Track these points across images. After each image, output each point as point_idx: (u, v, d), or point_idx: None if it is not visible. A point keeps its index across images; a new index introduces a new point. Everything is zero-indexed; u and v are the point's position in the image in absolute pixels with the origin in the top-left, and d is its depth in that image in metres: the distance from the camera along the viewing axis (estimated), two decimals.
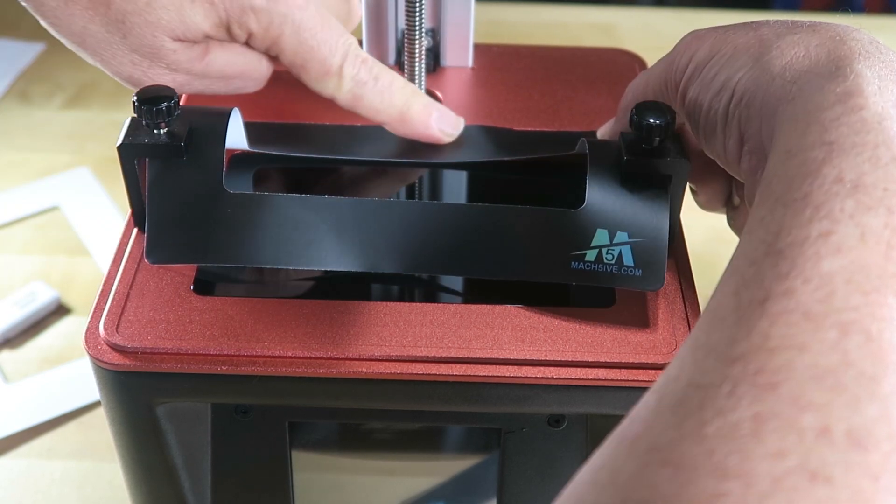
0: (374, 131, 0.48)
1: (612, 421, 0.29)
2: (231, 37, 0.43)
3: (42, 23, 0.42)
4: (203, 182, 0.40)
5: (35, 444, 0.62)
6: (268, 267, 0.40)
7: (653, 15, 1.05)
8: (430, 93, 0.51)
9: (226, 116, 0.42)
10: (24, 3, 0.41)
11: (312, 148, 0.47)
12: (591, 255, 0.40)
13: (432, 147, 0.48)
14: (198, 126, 0.41)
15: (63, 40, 0.42)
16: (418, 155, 0.48)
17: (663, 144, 0.40)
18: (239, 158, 0.48)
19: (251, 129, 0.47)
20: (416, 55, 0.48)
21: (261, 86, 0.46)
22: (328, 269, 0.41)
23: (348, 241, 0.40)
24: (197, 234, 0.41)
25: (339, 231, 0.41)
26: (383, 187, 0.50)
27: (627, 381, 0.38)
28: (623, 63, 0.55)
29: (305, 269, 0.41)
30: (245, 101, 0.47)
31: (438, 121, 0.47)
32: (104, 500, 0.59)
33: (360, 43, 0.52)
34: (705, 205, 0.45)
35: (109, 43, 0.41)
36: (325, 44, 0.43)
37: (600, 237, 0.39)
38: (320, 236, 0.41)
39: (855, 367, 0.23)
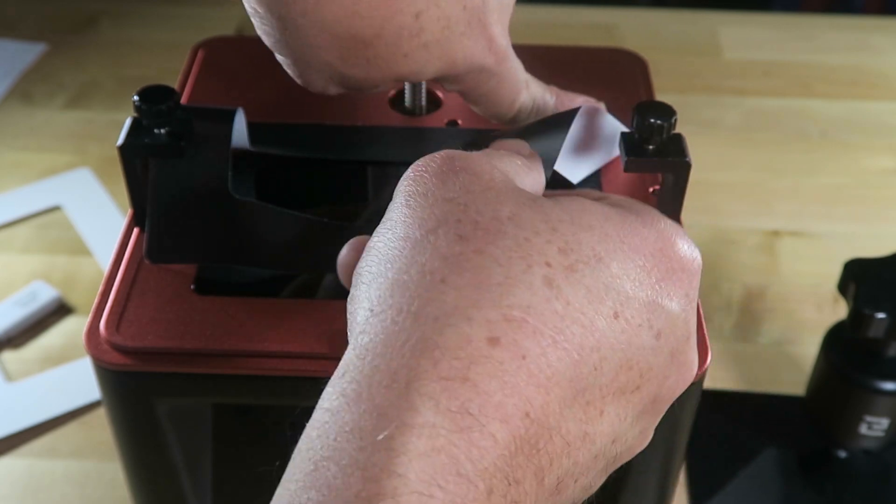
0: (376, 131, 0.48)
1: None
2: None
3: (259, 30, 0.37)
4: (207, 183, 0.40)
5: (36, 443, 0.62)
6: (269, 269, 0.41)
7: (653, 15, 1.05)
8: (430, 92, 0.51)
9: (231, 117, 0.42)
10: (258, 21, 0.37)
11: (313, 148, 0.47)
12: None
13: (434, 148, 0.48)
14: (202, 126, 0.41)
15: (275, 50, 0.38)
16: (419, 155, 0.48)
17: (663, 144, 0.40)
18: (241, 158, 0.48)
19: (252, 129, 0.48)
20: None
21: None
22: (329, 272, 0.41)
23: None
24: (199, 234, 0.41)
25: (335, 242, 0.41)
26: (383, 187, 0.50)
27: None
28: (623, 63, 0.55)
29: (307, 272, 0.42)
30: (246, 101, 0.47)
31: None
32: (105, 499, 0.59)
33: None
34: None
35: (324, 70, 0.37)
36: (510, 91, 0.41)
37: None
38: (320, 242, 0.41)
39: None
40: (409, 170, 0.30)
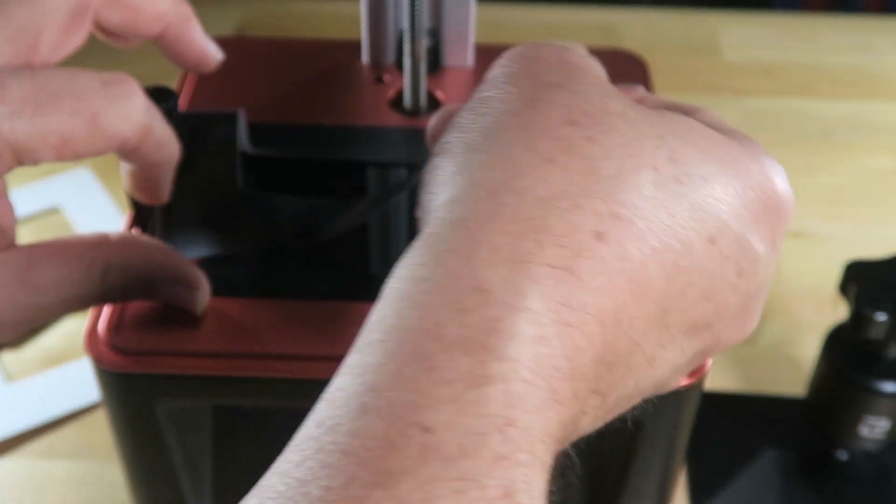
0: (376, 131, 0.48)
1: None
2: None
3: None
4: (209, 185, 0.40)
5: (36, 444, 0.62)
6: (269, 271, 0.41)
7: (653, 15, 1.05)
8: (430, 93, 0.51)
9: (233, 119, 0.42)
10: None
11: (313, 148, 0.47)
12: None
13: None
14: (203, 127, 0.41)
15: None
16: (419, 155, 0.48)
17: None
18: (241, 159, 0.48)
19: (252, 129, 0.47)
20: (417, 55, 0.48)
21: None
22: (330, 271, 0.41)
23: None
24: (200, 235, 0.41)
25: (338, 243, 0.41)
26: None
27: None
28: (623, 63, 0.55)
29: (307, 272, 0.42)
30: (246, 101, 0.47)
31: None
32: (105, 500, 0.59)
33: (360, 43, 0.52)
34: None
35: None
36: None
37: None
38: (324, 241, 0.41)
39: None
40: (503, 56, 0.28)
